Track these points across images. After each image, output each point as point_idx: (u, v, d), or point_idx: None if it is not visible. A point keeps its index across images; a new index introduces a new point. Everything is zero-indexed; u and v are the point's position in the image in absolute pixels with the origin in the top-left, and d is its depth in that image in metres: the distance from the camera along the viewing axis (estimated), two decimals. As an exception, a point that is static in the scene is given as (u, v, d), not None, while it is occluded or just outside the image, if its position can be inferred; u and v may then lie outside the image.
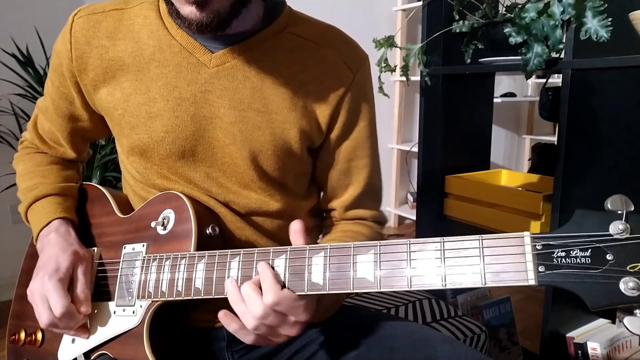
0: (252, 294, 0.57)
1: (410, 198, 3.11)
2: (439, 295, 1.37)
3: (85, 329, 0.73)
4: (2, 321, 1.88)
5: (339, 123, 0.75)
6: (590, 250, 0.46)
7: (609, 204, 0.46)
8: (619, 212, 0.45)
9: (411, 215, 2.95)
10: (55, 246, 0.72)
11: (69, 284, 0.70)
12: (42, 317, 0.68)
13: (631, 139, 1.29)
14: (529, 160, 3.17)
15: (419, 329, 0.75)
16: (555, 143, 1.22)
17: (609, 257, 0.45)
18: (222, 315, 0.60)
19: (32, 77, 1.88)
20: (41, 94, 1.84)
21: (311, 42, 0.73)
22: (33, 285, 0.69)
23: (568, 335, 1.32)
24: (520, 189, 1.62)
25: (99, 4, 0.74)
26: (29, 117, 1.88)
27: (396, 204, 3.11)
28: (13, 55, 1.85)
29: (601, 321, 1.39)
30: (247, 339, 0.60)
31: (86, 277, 0.72)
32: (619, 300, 0.44)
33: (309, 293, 0.57)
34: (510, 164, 3.56)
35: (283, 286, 0.58)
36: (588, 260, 0.46)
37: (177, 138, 0.70)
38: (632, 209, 0.45)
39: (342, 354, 0.72)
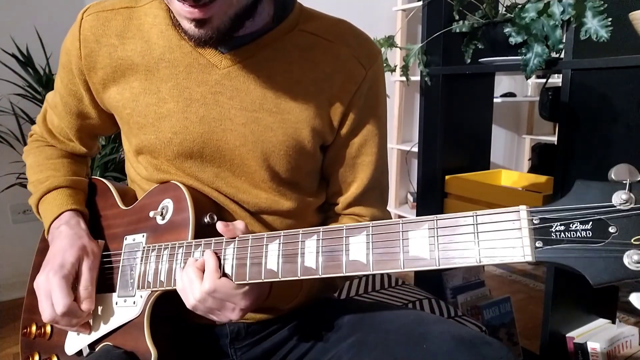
0: (193, 277, 0.61)
1: (410, 198, 3.11)
2: (439, 295, 1.37)
3: (87, 326, 0.73)
4: (2, 321, 1.88)
5: (350, 119, 0.74)
6: (591, 222, 0.42)
7: (612, 174, 0.42)
8: (624, 181, 0.42)
9: (411, 215, 2.95)
10: (64, 239, 0.73)
11: (73, 280, 0.70)
12: (45, 313, 0.69)
13: (631, 139, 1.29)
14: (529, 160, 3.18)
15: (414, 312, 0.76)
16: (555, 143, 1.22)
17: (611, 229, 0.42)
18: (178, 271, 0.65)
19: (32, 77, 1.87)
20: (41, 94, 1.85)
21: (322, 38, 0.72)
22: (39, 279, 0.70)
23: (568, 335, 1.33)
24: (520, 189, 1.62)
25: (108, 2, 0.73)
26: (29, 117, 1.88)
27: (396, 204, 3.11)
28: (13, 55, 1.84)
29: (601, 321, 1.39)
30: (186, 303, 0.63)
31: (92, 272, 0.72)
32: (623, 275, 0.41)
33: (259, 281, 0.60)
34: (510, 164, 3.55)
35: (223, 275, 0.61)
36: (589, 233, 0.42)
37: (185, 140, 0.70)
38: (639, 179, 0.42)
39: (341, 341, 0.73)
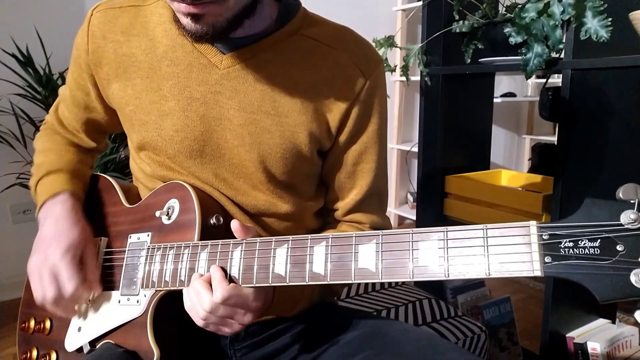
0: (200, 289, 0.61)
1: (410, 198, 3.11)
2: (439, 295, 1.37)
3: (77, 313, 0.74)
4: (2, 321, 1.88)
5: (348, 127, 0.74)
6: (599, 240, 0.43)
7: (620, 193, 0.43)
8: (632, 201, 0.43)
9: (411, 215, 2.95)
10: (64, 220, 0.73)
11: (79, 263, 0.71)
12: (47, 293, 0.69)
13: (631, 139, 1.29)
14: (529, 160, 3.17)
15: (427, 335, 0.74)
16: (555, 143, 1.22)
17: (619, 247, 0.43)
18: (184, 290, 0.64)
19: (32, 77, 1.87)
20: (41, 94, 1.85)
21: (323, 44, 0.72)
22: (39, 258, 0.70)
23: (568, 335, 1.33)
24: (520, 189, 1.62)
25: (117, 0, 0.75)
26: (29, 117, 1.88)
27: (396, 204, 3.11)
28: (13, 55, 1.84)
29: (601, 321, 1.39)
30: (196, 320, 0.63)
31: (93, 261, 0.73)
32: (630, 293, 0.42)
33: (266, 285, 0.59)
34: (510, 164, 3.56)
35: (230, 281, 0.61)
36: (597, 251, 0.43)
37: (186, 138, 0.71)
38: None
39: (349, 356, 0.72)
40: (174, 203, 0.71)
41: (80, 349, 0.75)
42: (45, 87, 1.85)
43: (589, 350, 1.28)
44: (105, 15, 0.73)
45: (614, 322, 1.39)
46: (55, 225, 0.72)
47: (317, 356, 0.76)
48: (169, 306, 0.69)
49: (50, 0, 2.03)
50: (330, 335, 0.76)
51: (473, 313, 1.52)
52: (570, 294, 1.29)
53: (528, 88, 3.33)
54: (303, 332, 0.79)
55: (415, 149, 1.71)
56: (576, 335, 1.32)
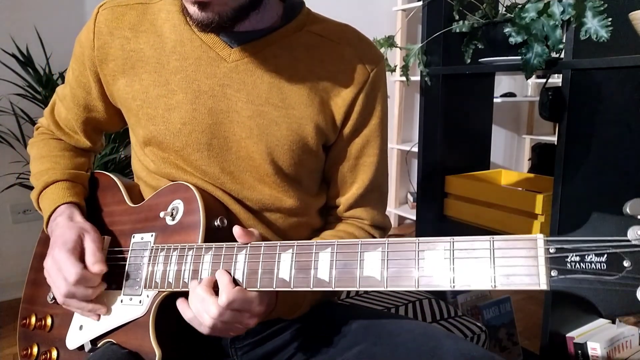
0: (205, 295, 0.61)
1: (410, 198, 3.11)
2: (439, 295, 1.37)
3: (97, 309, 0.73)
4: (2, 321, 1.88)
5: (352, 120, 0.76)
6: (606, 255, 0.44)
7: (627, 208, 0.43)
8: (638, 216, 0.43)
9: (411, 215, 2.95)
10: (62, 227, 0.74)
11: (80, 254, 0.71)
12: (59, 289, 0.69)
13: (631, 139, 1.29)
14: (529, 160, 3.18)
15: (422, 325, 0.75)
16: (555, 143, 1.22)
17: (626, 263, 0.43)
18: (179, 302, 0.64)
19: (32, 77, 1.87)
20: (41, 94, 1.85)
21: (328, 39, 0.75)
22: (47, 262, 0.71)
23: (568, 335, 1.33)
24: (520, 189, 1.62)
25: None
26: (29, 117, 1.88)
27: (396, 204, 3.11)
28: (13, 55, 1.84)
29: (601, 321, 1.39)
30: (201, 328, 0.63)
31: (96, 243, 0.72)
32: (635, 309, 0.42)
33: (271, 289, 0.59)
34: (510, 164, 3.56)
35: (236, 284, 0.61)
36: (604, 266, 0.44)
37: (194, 130, 0.71)
38: None
39: (347, 349, 0.73)
40: (178, 204, 0.71)
41: (81, 347, 0.75)
42: (45, 87, 1.85)
43: (589, 350, 1.28)
44: (112, 13, 0.74)
45: (614, 322, 1.39)
46: (56, 234, 0.73)
47: (316, 352, 0.76)
48: (170, 307, 0.69)
49: (50, 0, 2.03)
50: (328, 331, 0.77)
51: (473, 313, 1.52)
52: (570, 294, 1.29)
53: (528, 88, 3.33)
54: (302, 329, 0.79)
55: (415, 149, 1.71)
56: (576, 335, 1.32)
